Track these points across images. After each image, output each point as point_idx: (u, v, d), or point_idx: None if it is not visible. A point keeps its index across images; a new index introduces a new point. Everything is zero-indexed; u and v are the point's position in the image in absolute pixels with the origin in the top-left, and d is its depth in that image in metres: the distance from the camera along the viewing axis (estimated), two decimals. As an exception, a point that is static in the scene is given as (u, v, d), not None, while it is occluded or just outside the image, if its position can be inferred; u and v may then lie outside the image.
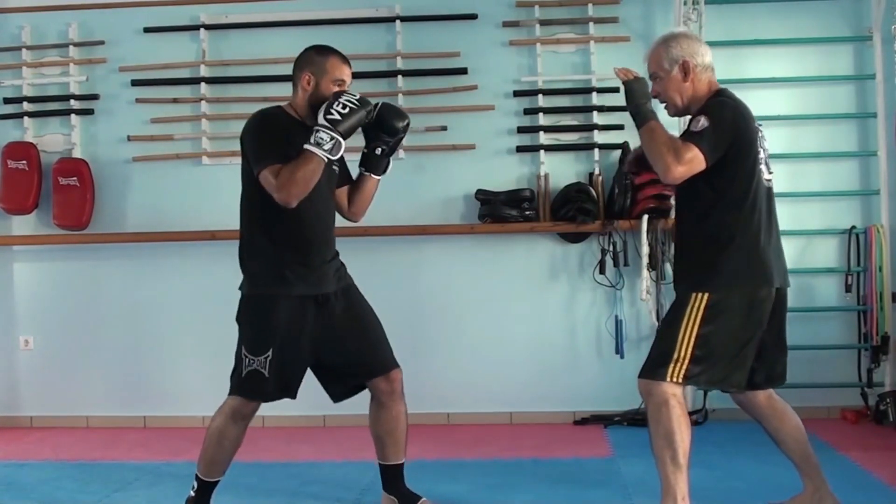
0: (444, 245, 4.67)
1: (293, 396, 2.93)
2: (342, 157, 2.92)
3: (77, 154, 4.78)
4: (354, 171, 3.12)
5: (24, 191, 4.69)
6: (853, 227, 4.53)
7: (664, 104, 2.87)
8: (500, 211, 4.50)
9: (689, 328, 2.65)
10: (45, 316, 4.85)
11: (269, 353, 2.82)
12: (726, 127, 2.65)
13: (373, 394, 3.06)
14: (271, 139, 2.81)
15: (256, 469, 3.77)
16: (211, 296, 4.72)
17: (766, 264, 2.71)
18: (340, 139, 2.73)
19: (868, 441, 4.04)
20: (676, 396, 2.66)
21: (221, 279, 4.66)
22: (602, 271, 4.54)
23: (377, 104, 2.97)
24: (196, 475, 2.95)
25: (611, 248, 4.51)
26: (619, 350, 4.54)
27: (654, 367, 2.70)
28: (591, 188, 4.53)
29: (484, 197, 4.56)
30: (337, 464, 3.91)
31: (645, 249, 4.42)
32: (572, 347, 4.66)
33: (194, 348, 4.76)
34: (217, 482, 2.95)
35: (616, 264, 4.53)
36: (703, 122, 2.64)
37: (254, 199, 2.86)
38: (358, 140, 2.99)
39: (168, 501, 3.39)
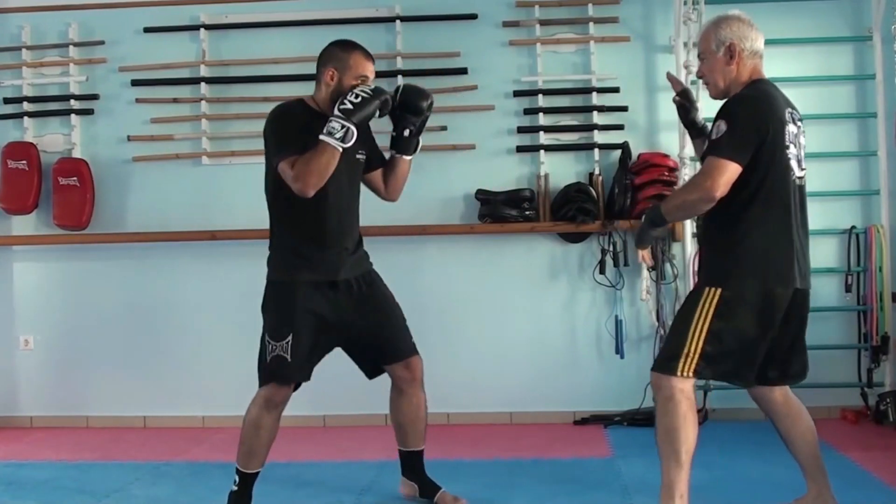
0: (444, 245, 4.67)
1: (308, 379, 3.02)
2: (373, 142, 3.12)
3: (77, 154, 4.78)
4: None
5: (24, 191, 4.69)
6: (853, 227, 4.53)
7: (706, 84, 2.84)
8: (500, 211, 4.50)
9: (700, 323, 2.64)
10: (45, 316, 4.85)
11: (290, 337, 2.91)
12: (745, 124, 2.60)
13: (392, 380, 3.16)
14: (288, 131, 2.90)
15: (256, 469, 3.76)
16: (211, 295, 4.74)
17: (785, 263, 2.67)
18: (351, 127, 2.80)
19: (868, 441, 4.04)
20: (685, 392, 2.65)
21: (221, 279, 4.73)
22: (602, 271, 4.54)
23: (398, 88, 3.08)
24: (236, 469, 3.02)
25: (611, 248, 4.51)
26: (619, 350, 4.54)
27: (665, 362, 2.69)
28: (591, 188, 4.53)
29: (484, 197, 4.56)
30: (337, 464, 3.91)
31: (645, 249, 4.43)
32: (572, 347, 4.66)
33: (194, 348, 4.76)
34: (257, 473, 3.02)
35: (616, 264, 4.53)
36: (721, 127, 2.60)
37: (275, 190, 2.97)
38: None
39: (168, 501, 3.39)
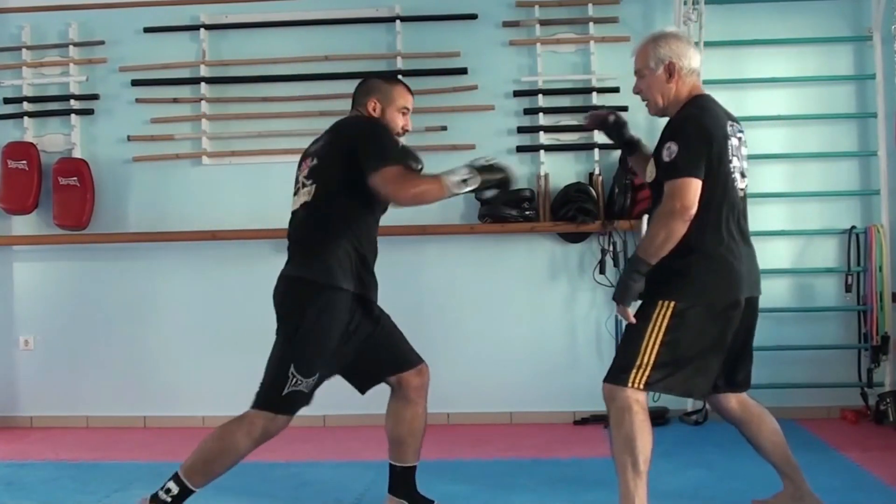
0: (444, 245, 4.67)
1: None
2: None
3: (77, 154, 4.78)
4: None
5: (24, 191, 4.69)
6: (853, 227, 4.52)
7: (645, 102, 2.84)
8: (500, 211, 4.50)
9: (653, 335, 2.63)
10: (45, 316, 4.85)
11: (317, 376, 2.79)
12: (694, 141, 2.62)
13: (400, 390, 3.05)
14: (395, 143, 2.94)
15: (256, 469, 3.76)
16: (211, 296, 4.74)
17: (735, 274, 2.68)
18: (473, 177, 2.81)
19: (868, 441, 4.04)
20: (639, 402, 2.65)
21: (221, 279, 4.73)
22: (602, 271, 4.54)
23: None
24: (179, 478, 2.81)
25: (611, 248, 4.51)
26: (619, 350, 4.54)
27: (617, 373, 2.69)
28: (591, 188, 4.53)
29: (484, 197, 4.55)
30: (337, 464, 3.90)
31: (645, 249, 4.42)
32: (572, 347, 4.66)
33: (194, 348, 4.76)
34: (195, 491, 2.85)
35: (616, 264, 4.53)
36: (672, 148, 2.61)
37: (342, 199, 2.85)
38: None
39: (168, 501, 3.38)
